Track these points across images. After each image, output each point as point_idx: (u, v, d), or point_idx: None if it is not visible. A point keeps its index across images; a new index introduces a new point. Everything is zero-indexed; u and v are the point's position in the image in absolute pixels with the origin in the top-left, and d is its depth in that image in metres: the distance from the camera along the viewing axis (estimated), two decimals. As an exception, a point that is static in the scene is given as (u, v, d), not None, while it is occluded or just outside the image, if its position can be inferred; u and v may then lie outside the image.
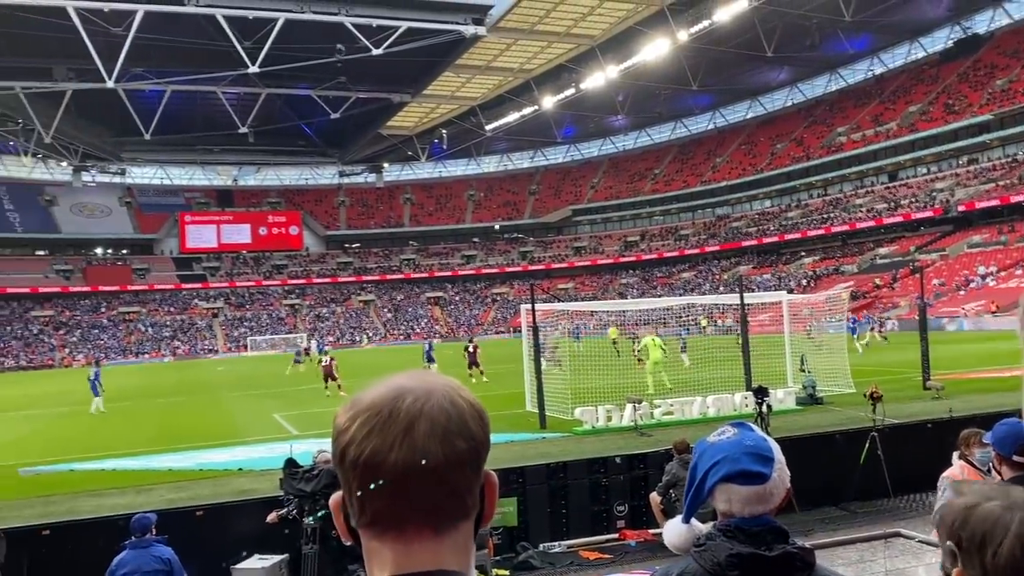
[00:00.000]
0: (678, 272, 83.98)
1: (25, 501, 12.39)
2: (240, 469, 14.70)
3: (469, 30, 52.18)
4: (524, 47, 63.88)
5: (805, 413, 17.29)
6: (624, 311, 31.22)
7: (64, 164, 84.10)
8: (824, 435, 12.45)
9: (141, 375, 48.96)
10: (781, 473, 1.78)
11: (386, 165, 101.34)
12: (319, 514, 8.10)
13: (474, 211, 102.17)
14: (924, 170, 68.97)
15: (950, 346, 31.51)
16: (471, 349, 30.09)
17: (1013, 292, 45.14)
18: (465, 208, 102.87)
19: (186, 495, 12.15)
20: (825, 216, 73.23)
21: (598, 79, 65.38)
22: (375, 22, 49.19)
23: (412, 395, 0.96)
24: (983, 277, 52.19)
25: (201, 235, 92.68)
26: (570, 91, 69.65)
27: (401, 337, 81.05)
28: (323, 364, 29.15)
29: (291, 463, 9.20)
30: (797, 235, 73.71)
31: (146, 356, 75.72)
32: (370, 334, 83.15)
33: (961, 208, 59.99)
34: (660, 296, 66.78)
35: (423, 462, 0.93)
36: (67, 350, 75.77)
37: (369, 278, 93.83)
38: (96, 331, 79.79)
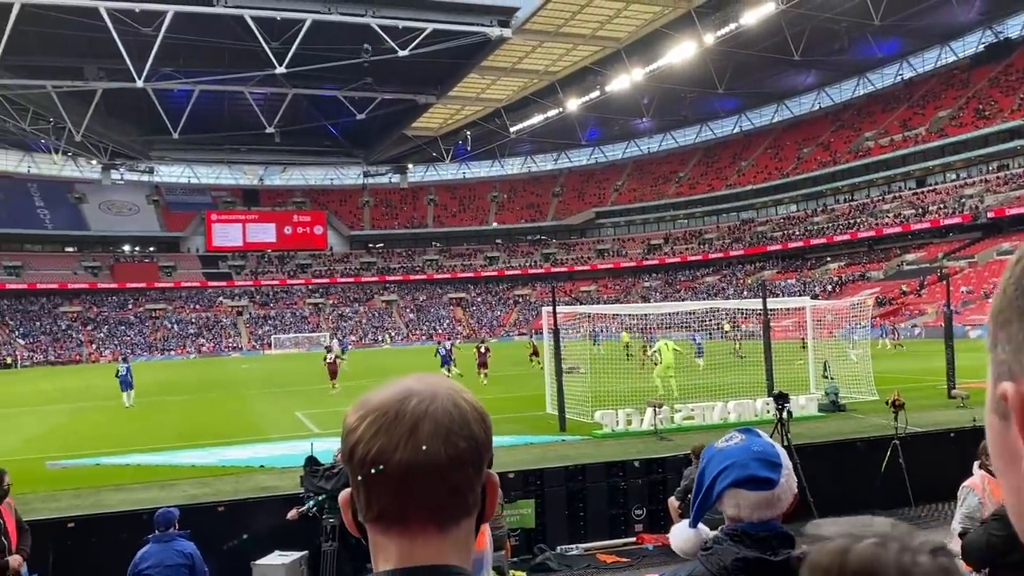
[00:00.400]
0: (701, 276, 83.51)
1: (51, 494, 12.56)
2: (261, 466, 14.83)
3: (495, 32, 52.29)
4: (549, 49, 63.82)
5: (827, 420, 17.17)
6: (646, 314, 31.10)
7: (93, 162, 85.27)
8: (845, 442, 12.38)
9: (166, 371, 49.44)
10: (789, 479, 1.80)
11: (410, 166, 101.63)
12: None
13: (497, 212, 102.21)
14: (953, 176, 68.13)
15: (977, 354, 31.03)
16: (483, 350, 30.63)
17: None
18: (488, 209, 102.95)
19: (208, 491, 12.27)
20: (851, 221, 72.47)
21: (623, 82, 65.18)
22: (401, 23, 49.45)
23: (418, 397, 1.01)
24: (1012, 285, 51.37)
25: (227, 234, 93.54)
26: (595, 93, 69.56)
27: (423, 337, 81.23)
28: (328, 361, 29.84)
29: (311, 461, 9.30)
30: (823, 240, 73.06)
31: (171, 353, 76.57)
32: (392, 334, 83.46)
33: (991, 215, 59.19)
34: (683, 300, 66.48)
35: (426, 460, 0.98)
36: (94, 346, 76.77)
37: (392, 278, 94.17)
38: (123, 327, 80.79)
